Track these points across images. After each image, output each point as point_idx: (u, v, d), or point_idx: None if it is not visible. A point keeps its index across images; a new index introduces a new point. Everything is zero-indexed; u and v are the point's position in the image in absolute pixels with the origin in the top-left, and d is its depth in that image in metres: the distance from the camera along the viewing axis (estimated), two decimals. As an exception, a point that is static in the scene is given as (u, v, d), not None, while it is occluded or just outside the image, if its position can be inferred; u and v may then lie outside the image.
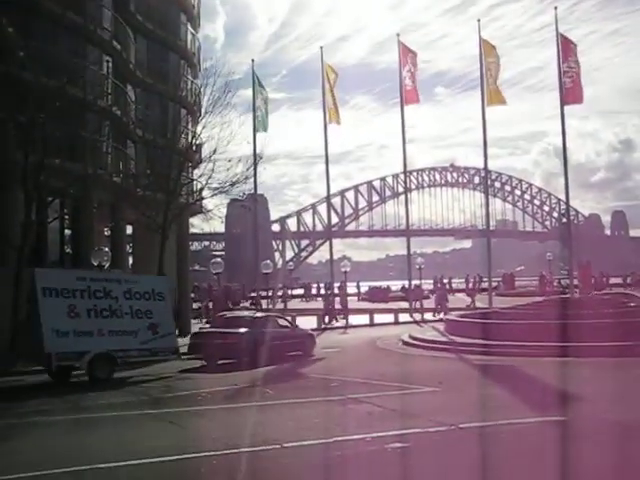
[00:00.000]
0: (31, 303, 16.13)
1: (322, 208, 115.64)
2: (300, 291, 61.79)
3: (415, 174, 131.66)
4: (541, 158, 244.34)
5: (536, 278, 54.78)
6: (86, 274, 18.09)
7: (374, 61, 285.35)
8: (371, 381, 13.86)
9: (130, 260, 30.29)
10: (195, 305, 38.21)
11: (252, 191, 32.60)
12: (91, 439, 9.37)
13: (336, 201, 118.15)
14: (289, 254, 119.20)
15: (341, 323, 32.73)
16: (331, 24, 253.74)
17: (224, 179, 25.01)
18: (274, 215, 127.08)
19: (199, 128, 25.82)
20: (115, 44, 26.16)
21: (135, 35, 28.34)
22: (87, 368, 15.81)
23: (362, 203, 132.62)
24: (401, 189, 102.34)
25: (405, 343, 21.87)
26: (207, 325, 26.76)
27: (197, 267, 66.93)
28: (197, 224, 35.23)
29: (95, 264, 21.25)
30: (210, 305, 36.03)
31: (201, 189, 26.62)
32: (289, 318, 22.69)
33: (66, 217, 24.62)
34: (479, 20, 33.96)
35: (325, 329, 29.80)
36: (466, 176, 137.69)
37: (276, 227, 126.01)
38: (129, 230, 29.53)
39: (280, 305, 39.48)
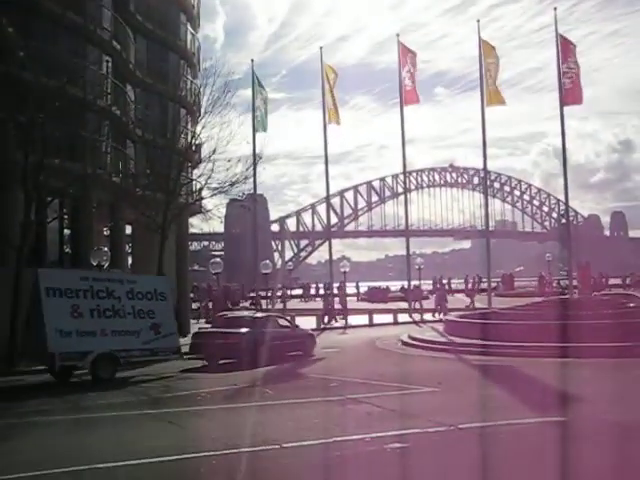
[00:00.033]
0: (34, 303, 16.11)
1: (321, 208, 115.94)
2: (299, 291, 61.84)
3: (414, 174, 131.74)
4: (540, 159, 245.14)
5: (535, 279, 54.81)
6: (89, 274, 18.11)
7: (374, 61, 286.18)
8: (370, 381, 13.87)
9: (129, 260, 30.25)
10: (194, 305, 38.23)
11: (251, 191, 32.69)
12: (91, 439, 9.38)
13: (335, 201, 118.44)
14: (288, 254, 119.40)
15: (340, 323, 32.71)
16: (331, 24, 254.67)
17: (223, 179, 24.99)
18: (273, 215, 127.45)
19: (199, 128, 25.83)
20: (115, 44, 26.15)
21: (135, 35, 28.32)
22: (90, 368, 15.84)
23: (361, 203, 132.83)
24: (400, 189, 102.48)
25: (404, 343, 21.88)
26: (207, 325, 26.77)
27: (196, 267, 67.00)
28: (196, 224, 35.27)
29: (94, 264, 21.23)
30: (209, 305, 36.07)
31: (200, 189, 26.59)
32: (289, 318, 22.71)
33: (65, 217, 24.55)
34: (479, 20, 34.37)
35: (324, 329, 29.78)
36: (465, 176, 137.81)
37: (275, 227, 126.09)
38: (128, 230, 29.48)
39: (279, 305, 39.45)
